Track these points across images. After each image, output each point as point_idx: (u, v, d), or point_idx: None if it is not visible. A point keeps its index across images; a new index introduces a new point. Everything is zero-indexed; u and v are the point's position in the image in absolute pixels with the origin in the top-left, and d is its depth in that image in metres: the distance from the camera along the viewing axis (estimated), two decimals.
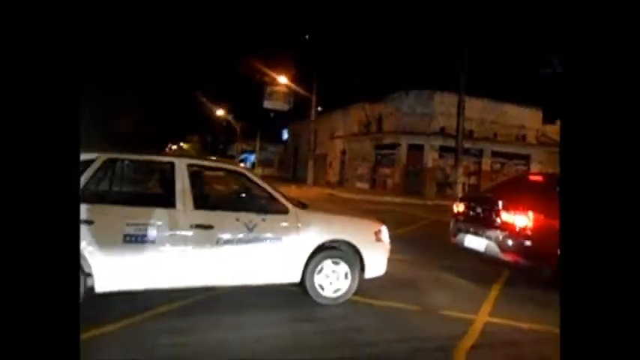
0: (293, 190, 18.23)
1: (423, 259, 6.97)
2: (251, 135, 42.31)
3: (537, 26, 20.21)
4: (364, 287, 4.73)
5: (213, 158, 5.88)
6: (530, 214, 5.31)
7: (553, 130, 25.61)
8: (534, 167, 24.07)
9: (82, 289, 3.62)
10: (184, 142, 58.32)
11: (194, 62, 36.56)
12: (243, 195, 4.71)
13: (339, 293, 4.49)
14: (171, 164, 4.13)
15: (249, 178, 4.55)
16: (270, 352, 3.39)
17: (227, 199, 5.07)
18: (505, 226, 5.54)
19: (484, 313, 4.51)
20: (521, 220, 5.36)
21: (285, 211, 4.32)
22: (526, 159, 24.92)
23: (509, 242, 5.45)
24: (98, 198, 4.04)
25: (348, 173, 28.48)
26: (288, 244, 4.27)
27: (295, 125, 38.46)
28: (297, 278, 4.37)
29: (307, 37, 27.64)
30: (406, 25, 23.08)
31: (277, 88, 29.74)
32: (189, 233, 3.95)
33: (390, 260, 4.89)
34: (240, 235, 4.10)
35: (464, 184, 21.66)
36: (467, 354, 3.52)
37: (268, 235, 4.20)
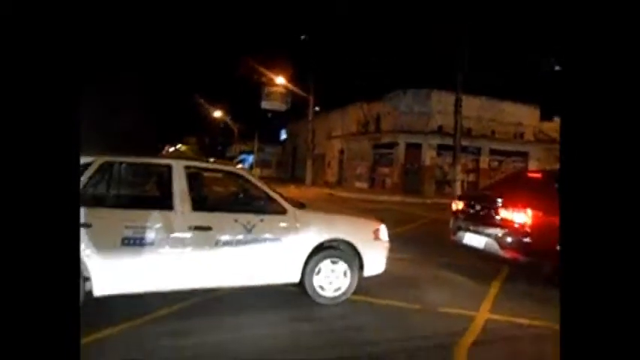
0: (292, 191, 18.23)
1: (422, 257, 6.97)
2: (249, 136, 42.25)
3: (535, 24, 20.25)
4: (363, 286, 4.73)
5: (212, 160, 5.86)
6: (529, 210, 5.31)
7: (550, 127, 25.66)
8: (532, 164, 24.10)
9: (80, 294, 3.60)
10: (182, 143, 58.23)
11: (191, 63, 36.55)
12: (241, 196, 4.71)
13: (338, 292, 4.48)
14: (169, 167, 4.12)
15: (246, 180, 4.55)
16: (269, 352, 3.38)
17: (225, 201, 5.06)
18: (504, 223, 5.54)
19: (484, 310, 4.51)
20: (520, 217, 5.37)
21: (283, 211, 4.31)
22: (524, 156, 24.96)
23: (509, 239, 5.46)
24: (96, 201, 4.02)
25: (346, 173, 28.48)
26: (287, 244, 4.26)
27: (293, 125, 38.45)
28: (296, 278, 4.36)
29: (305, 37, 27.61)
30: (403, 25, 23.09)
31: (275, 89, 29.70)
32: (188, 235, 3.93)
33: (389, 259, 4.88)
34: (239, 237, 4.09)
35: (462, 182, 21.68)
36: (468, 351, 3.51)
37: (267, 235, 4.19)
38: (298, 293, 4.55)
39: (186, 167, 4.18)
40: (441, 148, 22.72)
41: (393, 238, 5.18)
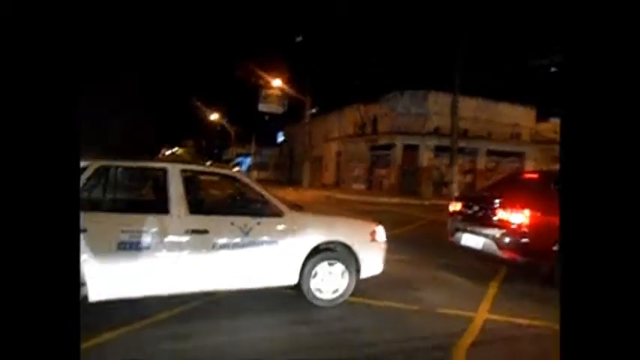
0: (290, 193, 18.23)
1: (420, 259, 6.96)
2: (246, 139, 42.24)
3: (531, 25, 20.33)
4: (361, 288, 4.71)
5: (209, 163, 5.86)
6: (527, 211, 5.32)
7: (547, 128, 25.77)
8: (529, 165, 24.19)
9: None
10: (179, 146, 58.16)
11: (188, 66, 36.55)
12: (238, 199, 4.69)
13: (336, 294, 4.47)
14: (165, 170, 4.10)
15: (243, 182, 4.54)
16: (268, 355, 3.36)
17: (222, 204, 5.04)
18: (502, 224, 5.55)
19: (483, 311, 4.50)
20: (518, 217, 5.38)
21: (280, 214, 4.30)
22: (520, 157, 25.07)
23: (507, 240, 5.46)
24: (91, 206, 4.00)
25: (344, 175, 28.50)
26: (284, 246, 4.24)
27: (290, 128, 38.47)
28: (294, 280, 4.34)
29: (301, 38, 27.67)
30: (399, 26, 23.15)
31: (271, 91, 29.71)
32: (185, 239, 3.91)
33: (387, 260, 4.88)
34: (236, 240, 4.07)
35: (459, 183, 21.74)
36: (467, 352, 3.50)
37: (264, 238, 4.18)
38: (296, 296, 4.53)
39: (183, 171, 4.16)
40: (438, 150, 22.78)
41: (390, 239, 5.17)
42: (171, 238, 3.86)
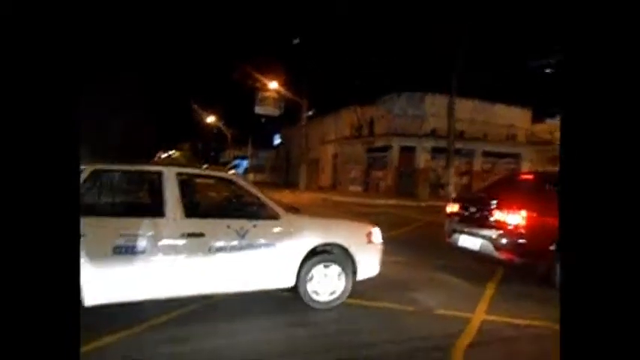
0: (286, 195, 18.20)
1: (417, 260, 6.97)
2: (242, 141, 42.19)
3: (527, 26, 20.41)
4: (358, 290, 4.71)
5: (205, 166, 5.85)
6: (523, 212, 5.34)
7: (542, 129, 25.90)
8: (525, 166, 24.27)
9: None
10: (175, 149, 58.00)
11: (184, 69, 36.52)
12: (234, 202, 4.68)
13: (332, 297, 4.46)
14: (160, 173, 4.09)
15: (238, 185, 4.53)
16: (266, 357, 3.36)
17: (218, 207, 5.02)
18: (499, 225, 5.57)
19: (480, 312, 4.51)
20: (515, 218, 5.40)
21: (276, 216, 4.29)
22: (516, 158, 25.15)
23: (504, 240, 5.48)
24: (86, 210, 3.97)
25: (341, 177, 28.51)
26: (281, 249, 4.24)
27: (287, 130, 38.45)
28: (291, 283, 4.33)
29: (297, 40, 27.70)
30: (396, 28, 23.21)
31: (268, 94, 29.70)
32: (181, 242, 3.89)
33: (384, 262, 4.88)
34: (232, 242, 4.06)
35: (456, 185, 21.78)
36: (464, 352, 3.51)
37: (260, 240, 4.17)
38: (292, 298, 4.53)
39: (178, 174, 4.14)
40: (434, 151, 22.83)
41: (387, 241, 5.17)
42: (167, 241, 3.85)
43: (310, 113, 28.80)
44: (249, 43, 31.87)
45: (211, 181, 5.10)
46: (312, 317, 4.23)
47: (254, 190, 4.45)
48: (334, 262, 4.48)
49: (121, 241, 3.70)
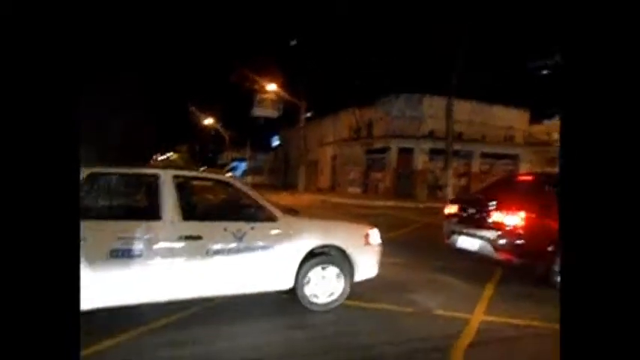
0: (285, 197, 18.20)
1: (416, 261, 6.97)
2: (240, 143, 42.15)
3: (525, 27, 20.45)
4: (357, 291, 4.71)
5: (202, 168, 5.84)
6: (522, 213, 5.35)
7: (540, 130, 25.97)
8: (523, 167, 24.33)
9: None
10: (173, 151, 57.91)
11: (182, 71, 36.50)
12: (232, 204, 4.67)
13: (331, 298, 4.46)
14: (157, 176, 4.08)
15: (235, 188, 4.52)
16: (265, 359, 3.36)
17: (215, 209, 5.01)
18: (498, 226, 5.58)
19: (479, 312, 4.51)
20: (514, 219, 5.41)
21: (273, 218, 4.29)
22: (514, 159, 25.20)
23: (502, 241, 5.49)
24: (83, 213, 3.95)
25: (339, 178, 28.52)
26: (279, 251, 4.23)
27: (285, 132, 38.44)
28: (289, 285, 4.32)
29: (295, 42, 27.71)
30: (394, 30, 23.24)
31: (266, 96, 29.67)
32: (178, 245, 3.87)
33: (382, 263, 4.88)
34: (230, 245, 4.05)
35: (454, 186, 21.81)
36: (464, 353, 3.51)
37: (258, 243, 4.16)
38: (291, 300, 4.52)
39: (175, 177, 4.13)
40: (432, 153, 22.87)
41: (386, 242, 5.17)
42: (164, 244, 3.83)
43: (309, 115, 28.80)
44: (247, 44, 31.88)
45: (209, 184, 5.09)
46: (310, 319, 4.23)
47: (251, 193, 4.44)
48: (332, 263, 4.47)
49: (118, 245, 3.68)
